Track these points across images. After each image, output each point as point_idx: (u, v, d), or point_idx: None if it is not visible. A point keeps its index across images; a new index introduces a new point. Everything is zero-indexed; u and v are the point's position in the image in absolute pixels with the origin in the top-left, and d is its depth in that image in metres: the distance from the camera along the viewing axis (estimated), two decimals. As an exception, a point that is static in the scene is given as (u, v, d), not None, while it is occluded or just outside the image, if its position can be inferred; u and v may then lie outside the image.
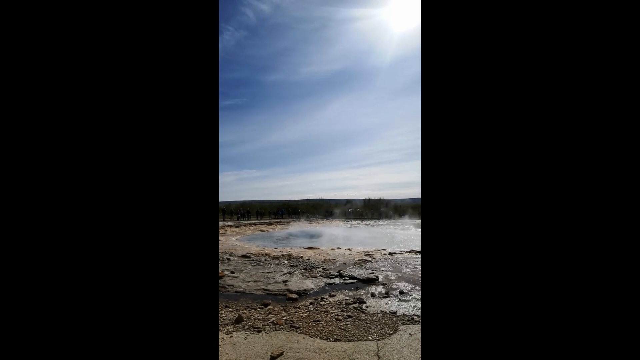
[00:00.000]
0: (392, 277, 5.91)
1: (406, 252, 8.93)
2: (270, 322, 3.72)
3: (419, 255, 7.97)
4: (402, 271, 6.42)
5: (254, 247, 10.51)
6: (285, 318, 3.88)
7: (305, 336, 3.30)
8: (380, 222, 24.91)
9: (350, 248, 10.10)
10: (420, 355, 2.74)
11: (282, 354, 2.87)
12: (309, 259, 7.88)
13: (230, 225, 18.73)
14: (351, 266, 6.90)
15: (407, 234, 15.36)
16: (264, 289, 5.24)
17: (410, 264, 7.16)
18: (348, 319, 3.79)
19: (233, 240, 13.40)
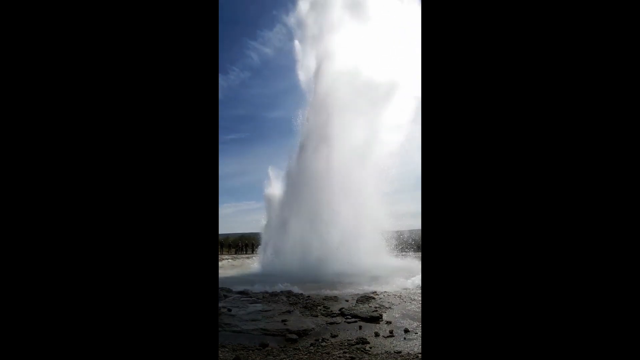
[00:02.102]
0: (397, 315, 5.65)
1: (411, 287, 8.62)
2: (269, 366, 3.50)
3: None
4: (407, 308, 6.16)
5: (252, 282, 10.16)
6: (284, 361, 3.65)
7: (305, 381, 3.08)
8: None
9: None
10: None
11: (280, 401, 2.66)
12: (309, 296, 7.60)
13: (227, 259, 18.26)
14: (354, 303, 6.63)
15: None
16: (262, 329, 4.99)
17: (414, 299, 6.88)
18: (351, 361, 3.57)
19: (232, 274, 13.00)
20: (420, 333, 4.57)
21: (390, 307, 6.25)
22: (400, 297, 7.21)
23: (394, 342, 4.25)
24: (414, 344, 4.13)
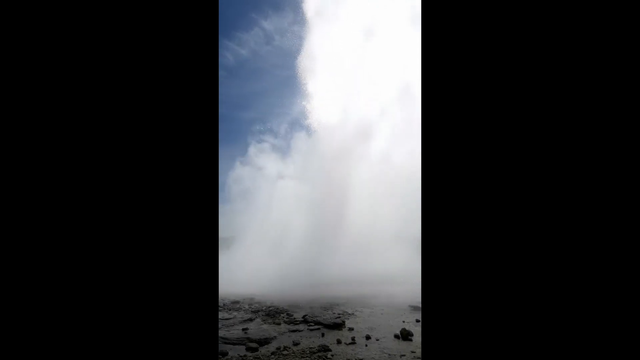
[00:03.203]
0: (360, 322, 5.71)
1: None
2: (226, 376, 3.34)
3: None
4: (370, 314, 6.25)
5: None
6: (243, 371, 3.52)
7: (264, 391, 2.99)
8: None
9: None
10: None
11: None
12: (272, 303, 7.43)
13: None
14: (318, 310, 6.60)
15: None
16: (221, 337, 4.78)
17: (376, 305, 7.00)
18: (312, 370, 3.53)
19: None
20: (381, 339, 4.66)
21: (353, 314, 6.30)
22: (365, 304, 7.30)
23: (356, 349, 4.28)
24: (375, 351, 4.19)
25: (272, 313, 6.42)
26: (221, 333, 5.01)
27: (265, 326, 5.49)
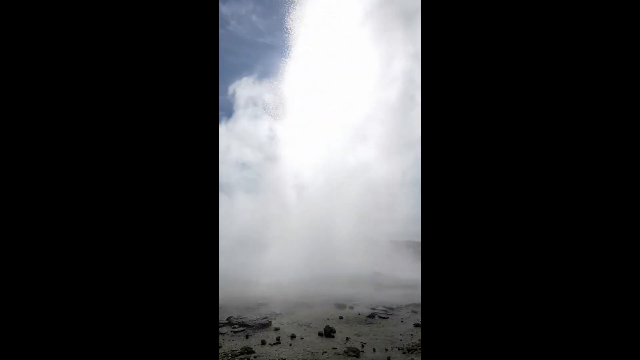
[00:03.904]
0: (286, 321, 5.73)
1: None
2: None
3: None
4: (297, 312, 6.32)
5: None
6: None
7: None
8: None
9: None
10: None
11: None
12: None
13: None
14: (243, 311, 6.42)
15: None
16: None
17: (306, 303, 7.13)
18: (232, 374, 3.41)
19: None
20: (305, 338, 4.75)
21: (280, 314, 6.30)
22: (293, 303, 7.35)
23: (280, 349, 4.28)
24: (299, 350, 4.26)
25: (194, 315, 6.02)
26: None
27: (184, 330, 5.11)
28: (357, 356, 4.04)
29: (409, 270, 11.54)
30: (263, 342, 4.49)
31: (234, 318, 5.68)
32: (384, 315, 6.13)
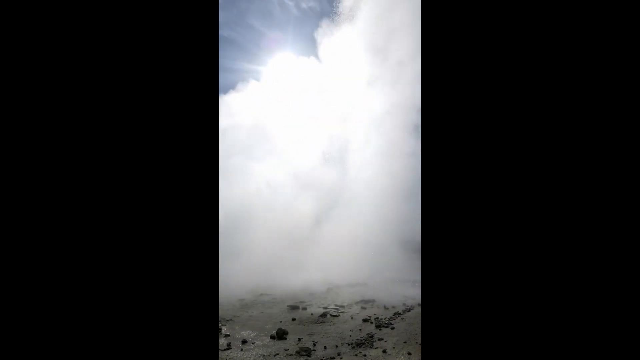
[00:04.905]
0: (237, 326, 5.63)
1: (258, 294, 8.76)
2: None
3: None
4: (248, 317, 6.22)
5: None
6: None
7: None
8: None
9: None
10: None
11: None
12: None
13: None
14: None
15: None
16: None
17: (256, 306, 7.04)
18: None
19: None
20: (257, 342, 4.73)
21: (231, 320, 6.15)
22: (244, 307, 7.21)
23: (231, 354, 4.22)
24: (250, 354, 4.23)
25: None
26: None
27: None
28: (309, 355, 4.16)
29: (357, 269, 11.96)
30: (213, 350, 4.37)
31: (181, 327, 5.41)
32: (335, 314, 6.34)
